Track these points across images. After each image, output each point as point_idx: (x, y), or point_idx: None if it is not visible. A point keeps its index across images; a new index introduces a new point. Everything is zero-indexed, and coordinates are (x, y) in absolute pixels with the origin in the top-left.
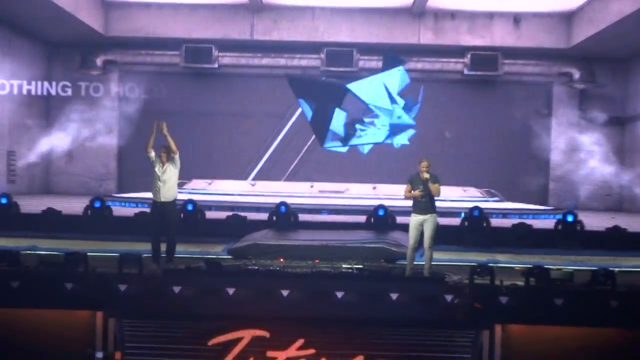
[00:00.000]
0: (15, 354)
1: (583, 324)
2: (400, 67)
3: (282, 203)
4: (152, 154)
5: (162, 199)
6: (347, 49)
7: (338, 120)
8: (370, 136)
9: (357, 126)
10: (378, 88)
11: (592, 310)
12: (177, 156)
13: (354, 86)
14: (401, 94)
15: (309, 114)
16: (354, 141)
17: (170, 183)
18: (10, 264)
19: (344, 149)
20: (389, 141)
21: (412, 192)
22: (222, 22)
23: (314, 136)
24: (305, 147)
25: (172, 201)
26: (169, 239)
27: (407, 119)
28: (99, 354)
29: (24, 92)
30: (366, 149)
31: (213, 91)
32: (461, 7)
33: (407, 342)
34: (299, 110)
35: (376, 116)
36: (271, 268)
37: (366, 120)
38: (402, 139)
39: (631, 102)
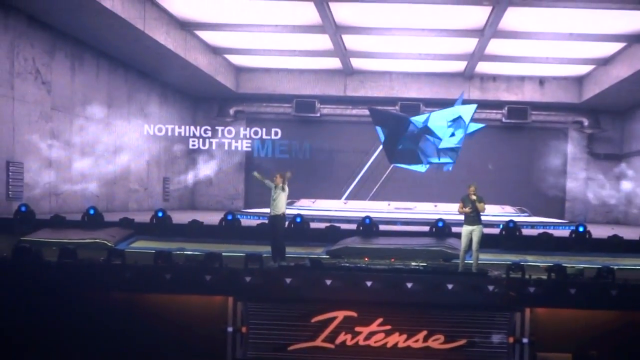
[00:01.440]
0: (167, 328)
1: (591, 307)
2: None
3: (367, 217)
4: (267, 181)
5: (273, 213)
6: (415, 102)
7: (405, 143)
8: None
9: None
10: (432, 122)
11: (597, 297)
12: (285, 185)
13: (414, 118)
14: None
15: (382, 137)
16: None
17: (278, 201)
18: (165, 261)
19: (421, 168)
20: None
21: (464, 209)
22: (322, 82)
23: (391, 167)
24: (384, 176)
25: (281, 215)
26: (280, 243)
27: (449, 144)
28: (230, 328)
29: (176, 134)
30: (424, 169)
31: (316, 133)
32: (500, 72)
33: (459, 321)
34: (380, 147)
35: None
36: (358, 265)
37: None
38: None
39: (626, 143)
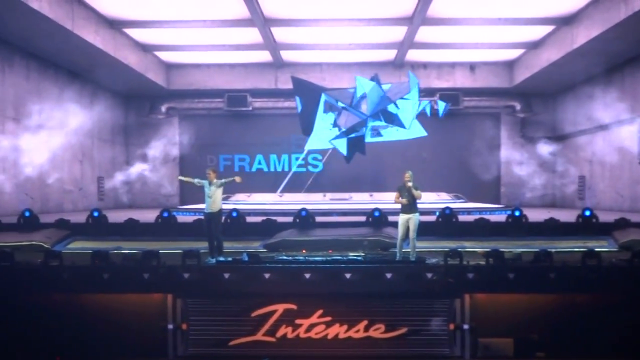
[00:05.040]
0: (107, 327)
1: (529, 291)
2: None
3: (303, 209)
4: (196, 180)
5: (210, 210)
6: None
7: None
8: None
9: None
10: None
11: (535, 281)
12: (223, 180)
13: (327, 92)
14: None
15: (299, 107)
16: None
17: (214, 197)
18: (102, 260)
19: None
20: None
21: (401, 199)
22: (253, 76)
23: (325, 157)
24: (319, 167)
25: (218, 211)
26: (217, 238)
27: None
28: (170, 326)
29: (107, 132)
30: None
31: (249, 127)
32: (431, 59)
33: (399, 309)
34: None
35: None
36: (296, 257)
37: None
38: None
39: (558, 126)
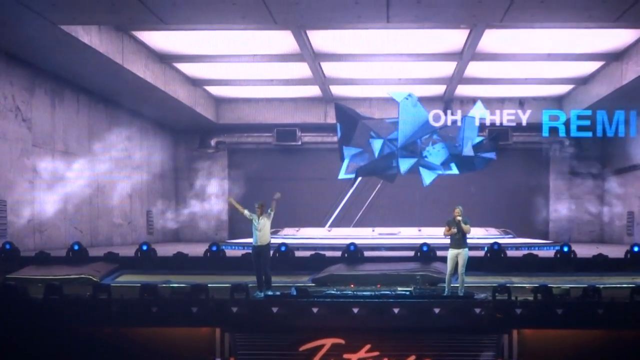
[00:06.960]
0: None
1: (577, 327)
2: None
3: (352, 243)
4: (246, 212)
5: (259, 243)
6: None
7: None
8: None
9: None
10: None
11: (584, 317)
12: (272, 211)
13: (364, 121)
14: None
15: (339, 134)
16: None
17: (264, 231)
18: (151, 294)
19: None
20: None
21: (450, 229)
22: (302, 111)
23: (374, 192)
24: (368, 201)
25: (267, 245)
26: (266, 272)
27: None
28: None
29: (156, 165)
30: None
31: (297, 162)
32: (480, 94)
33: (447, 344)
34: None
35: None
36: (345, 292)
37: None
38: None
39: (607, 161)
